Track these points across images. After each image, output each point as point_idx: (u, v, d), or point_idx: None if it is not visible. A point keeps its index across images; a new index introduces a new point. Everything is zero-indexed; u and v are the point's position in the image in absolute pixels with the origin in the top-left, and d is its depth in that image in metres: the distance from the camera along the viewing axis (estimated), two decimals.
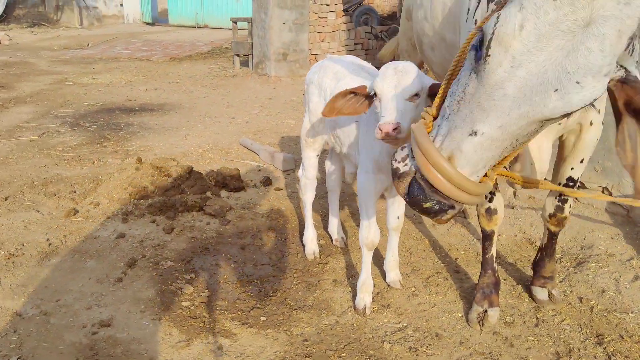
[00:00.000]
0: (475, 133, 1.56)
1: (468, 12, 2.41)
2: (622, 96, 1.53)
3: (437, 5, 2.85)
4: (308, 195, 3.36)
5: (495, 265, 2.88)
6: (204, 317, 2.89)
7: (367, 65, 2.98)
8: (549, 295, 2.97)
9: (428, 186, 1.64)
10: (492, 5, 2.25)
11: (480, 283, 2.86)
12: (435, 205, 1.65)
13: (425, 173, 1.62)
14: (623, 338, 2.65)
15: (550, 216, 2.84)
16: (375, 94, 2.27)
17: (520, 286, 3.19)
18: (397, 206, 2.90)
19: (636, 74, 1.51)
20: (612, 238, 3.73)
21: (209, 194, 4.37)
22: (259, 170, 5.10)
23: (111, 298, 3.01)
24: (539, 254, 3.05)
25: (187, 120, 7.00)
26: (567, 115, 1.48)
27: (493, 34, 1.45)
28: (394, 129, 2.12)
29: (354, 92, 2.35)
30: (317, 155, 3.28)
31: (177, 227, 3.85)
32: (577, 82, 1.39)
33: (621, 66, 1.50)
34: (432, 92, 2.28)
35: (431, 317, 2.89)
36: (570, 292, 3.13)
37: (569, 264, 3.45)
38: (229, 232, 3.84)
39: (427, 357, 2.58)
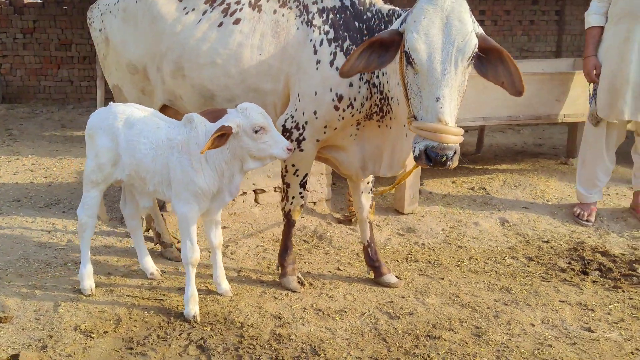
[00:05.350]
0: (438, 98, 2.37)
1: (319, 63, 3.01)
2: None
3: (246, 61, 3.17)
4: (87, 233, 3.42)
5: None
6: None
7: (154, 111, 3.31)
8: (397, 276, 3.50)
9: (439, 148, 2.38)
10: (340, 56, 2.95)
11: (288, 260, 3.48)
12: (449, 155, 2.40)
13: (441, 140, 2.36)
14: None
15: (371, 207, 3.48)
16: (259, 130, 2.86)
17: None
18: (217, 227, 3.32)
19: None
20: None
21: None
22: None
23: None
24: (369, 249, 3.50)
25: None
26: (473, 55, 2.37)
27: (410, 49, 2.38)
28: None
29: (222, 133, 2.79)
30: (102, 194, 3.37)
31: None
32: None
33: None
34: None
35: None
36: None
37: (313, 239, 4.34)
38: None
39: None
